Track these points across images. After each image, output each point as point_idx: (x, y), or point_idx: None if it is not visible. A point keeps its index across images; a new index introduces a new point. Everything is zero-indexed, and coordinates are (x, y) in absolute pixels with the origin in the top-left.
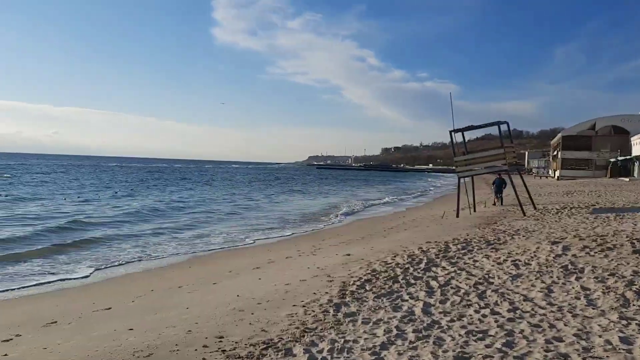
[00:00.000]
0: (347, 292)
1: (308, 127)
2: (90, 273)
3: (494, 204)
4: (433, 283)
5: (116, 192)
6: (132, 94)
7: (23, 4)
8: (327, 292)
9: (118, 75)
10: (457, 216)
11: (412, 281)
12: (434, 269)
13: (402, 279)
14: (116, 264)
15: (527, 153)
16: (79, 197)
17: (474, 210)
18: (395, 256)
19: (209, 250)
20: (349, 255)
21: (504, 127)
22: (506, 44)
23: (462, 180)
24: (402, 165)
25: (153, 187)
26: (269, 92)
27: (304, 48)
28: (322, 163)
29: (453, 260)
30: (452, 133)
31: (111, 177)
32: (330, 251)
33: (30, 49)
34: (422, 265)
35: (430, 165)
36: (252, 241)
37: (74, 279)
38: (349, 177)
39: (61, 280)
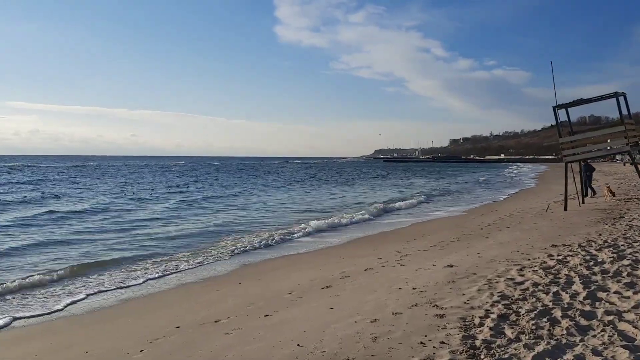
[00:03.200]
0: (477, 345)
1: (373, 121)
2: (93, 293)
3: (607, 196)
4: (624, 326)
5: (184, 187)
6: (202, 95)
7: (100, 12)
8: (443, 343)
9: (187, 77)
10: (565, 209)
11: (582, 320)
12: (601, 294)
13: (561, 316)
14: (141, 279)
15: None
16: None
17: (583, 202)
18: (521, 269)
19: (263, 254)
20: (451, 266)
21: (622, 100)
22: (581, 26)
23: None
24: (471, 156)
25: (207, 182)
26: (333, 88)
27: (367, 41)
28: (388, 156)
29: (622, 278)
30: (556, 109)
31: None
32: (423, 259)
33: (106, 55)
34: (578, 288)
35: (502, 155)
36: (314, 239)
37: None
38: (418, 169)
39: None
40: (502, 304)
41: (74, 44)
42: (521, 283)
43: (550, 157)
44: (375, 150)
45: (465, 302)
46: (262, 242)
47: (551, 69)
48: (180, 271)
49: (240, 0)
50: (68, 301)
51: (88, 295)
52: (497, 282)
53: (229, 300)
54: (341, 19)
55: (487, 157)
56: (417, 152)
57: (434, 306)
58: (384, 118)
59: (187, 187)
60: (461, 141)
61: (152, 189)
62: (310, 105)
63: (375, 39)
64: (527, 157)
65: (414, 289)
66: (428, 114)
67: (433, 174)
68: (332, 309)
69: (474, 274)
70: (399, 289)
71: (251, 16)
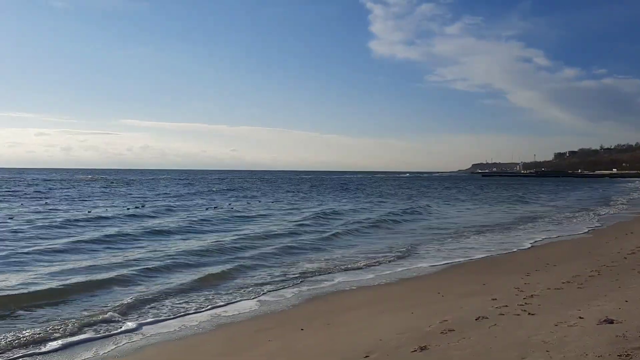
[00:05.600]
0: None
1: (470, 135)
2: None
3: None
4: None
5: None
6: (297, 111)
7: (204, 35)
8: None
9: (283, 94)
10: None
11: None
12: None
13: None
14: (170, 315)
15: None
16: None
17: None
18: None
19: (339, 283)
20: (610, 322)
21: None
22: None
23: None
24: (579, 170)
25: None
26: (427, 101)
27: (463, 53)
28: (487, 170)
29: None
30: None
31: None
32: (559, 304)
33: (209, 75)
34: None
35: (615, 170)
36: (401, 267)
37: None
38: (516, 183)
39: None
40: None
41: (181, 66)
42: None
43: None
44: (472, 165)
45: None
46: (342, 267)
47: None
48: (228, 304)
49: (336, 17)
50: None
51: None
52: None
53: None
54: (436, 31)
55: (598, 172)
56: (518, 166)
57: None
58: (481, 131)
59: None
60: (567, 155)
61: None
62: (403, 119)
63: (473, 50)
64: None
65: None
66: (529, 127)
67: (545, 190)
68: None
69: None
70: None
71: (347, 33)
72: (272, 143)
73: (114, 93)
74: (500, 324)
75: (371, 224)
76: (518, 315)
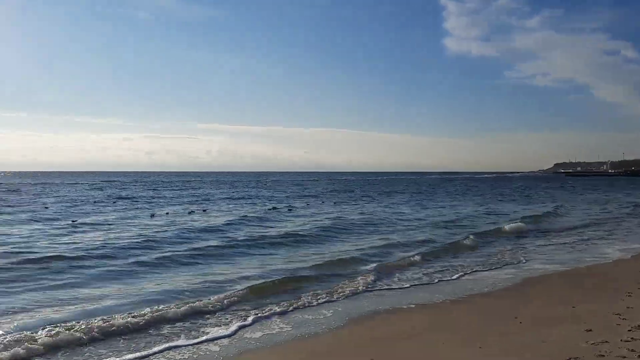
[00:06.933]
0: None
1: (552, 133)
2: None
3: None
4: None
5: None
6: (370, 112)
7: (284, 43)
8: None
9: (353, 95)
10: None
11: None
12: None
13: None
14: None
15: None
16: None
17: None
18: None
19: (397, 297)
20: None
21: None
22: None
23: None
24: None
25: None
26: (503, 98)
27: (543, 47)
28: (570, 170)
29: None
30: None
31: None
32: None
33: (284, 79)
34: None
35: None
36: (472, 277)
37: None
38: (605, 184)
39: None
40: None
41: (257, 70)
42: None
43: None
44: (554, 164)
45: None
46: (403, 276)
47: None
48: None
49: (409, 15)
50: None
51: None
52: None
53: None
54: (515, 25)
55: None
56: (604, 165)
57: None
58: (564, 129)
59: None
60: None
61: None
62: (479, 118)
63: (553, 45)
64: None
65: None
66: (617, 124)
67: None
68: None
69: None
70: None
71: (419, 31)
72: (344, 144)
73: (190, 98)
74: None
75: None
76: (624, 358)
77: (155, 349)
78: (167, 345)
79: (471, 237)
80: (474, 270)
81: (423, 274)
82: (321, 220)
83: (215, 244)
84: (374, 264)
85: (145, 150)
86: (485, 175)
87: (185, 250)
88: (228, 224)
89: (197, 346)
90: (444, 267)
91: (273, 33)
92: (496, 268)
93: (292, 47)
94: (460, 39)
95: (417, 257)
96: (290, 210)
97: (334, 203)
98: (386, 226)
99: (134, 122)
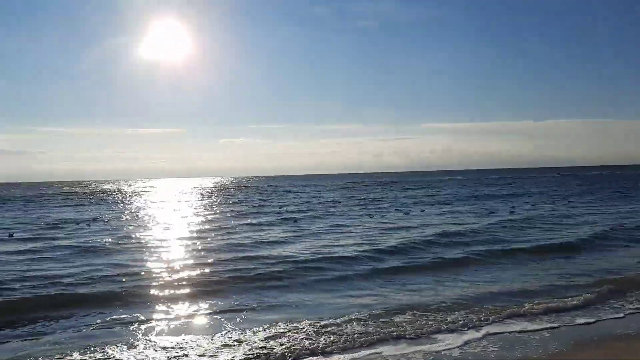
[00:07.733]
0: None
1: None
2: None
3: None
4: None
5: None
6: (604, 99)
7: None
8: None
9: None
10: None
11: None
12: None
13: None
14: None
15: None
16: None
17: None
18: None
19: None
20: None
21: None
22: None
23: None
24: None
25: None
26: None
27: None
28: None
29: None
30: None
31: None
32: None
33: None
34: None
35: None
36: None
37: None
38: None
39: None
40: None
41: (474, 67)
42: None
43: None
44: None
45: None
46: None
47: None
48: None
49: None
50: None
51: None
52: None
53: None
54: None
55: None
56: None
57: None
58: None
59: None
60: None
61: None
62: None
63: None
64: None
65: None
66: None
67: None
68: None
69: None
70: None
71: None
72: (585, 136)
73: (412, 99)
74: None
75: None
76: None
77: None
78: None
79: None
80: None
81: None
82: None
83: None
84: None
85: (373, 153)
86: None
87: None
88: None
89: None
90: None
91: (479, 27)
92: None
93: (503, 41)
94: None
95: None
96: None
97: None
98: None
99: (362, 126)
